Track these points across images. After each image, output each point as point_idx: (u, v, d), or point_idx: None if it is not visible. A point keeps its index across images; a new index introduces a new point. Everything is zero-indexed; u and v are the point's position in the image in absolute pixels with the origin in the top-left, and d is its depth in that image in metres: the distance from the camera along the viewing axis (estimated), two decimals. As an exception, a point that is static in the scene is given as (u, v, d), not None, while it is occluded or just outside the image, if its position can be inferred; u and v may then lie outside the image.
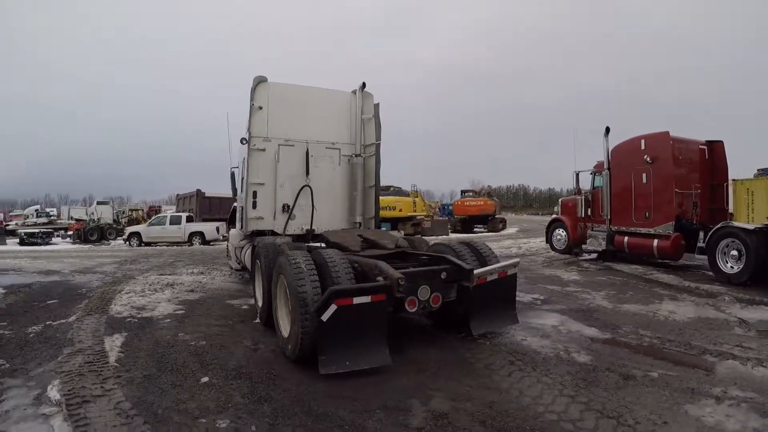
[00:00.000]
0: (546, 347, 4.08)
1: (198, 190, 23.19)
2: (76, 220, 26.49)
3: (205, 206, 23.02)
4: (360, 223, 7.02)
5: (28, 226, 24.34)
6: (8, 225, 26.53)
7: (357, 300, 3.32)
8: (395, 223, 22.70)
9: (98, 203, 31.30)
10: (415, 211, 23.83)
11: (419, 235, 21.75)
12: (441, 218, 27.15)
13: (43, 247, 18.30)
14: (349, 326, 3.35)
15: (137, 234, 18.96)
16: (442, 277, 3.94)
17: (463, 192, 29.19)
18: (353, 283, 3.65)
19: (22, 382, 3.38)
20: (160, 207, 37.54)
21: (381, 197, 24.40)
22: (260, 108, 6.54)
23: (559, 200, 12.68)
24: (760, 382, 3.23)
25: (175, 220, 18.83)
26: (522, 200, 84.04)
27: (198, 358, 3.98)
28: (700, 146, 8.92)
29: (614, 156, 9.48)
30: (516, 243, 15.64)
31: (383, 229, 23.16)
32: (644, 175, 8.63)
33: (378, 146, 7.08)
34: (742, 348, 3.98)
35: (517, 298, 5.57)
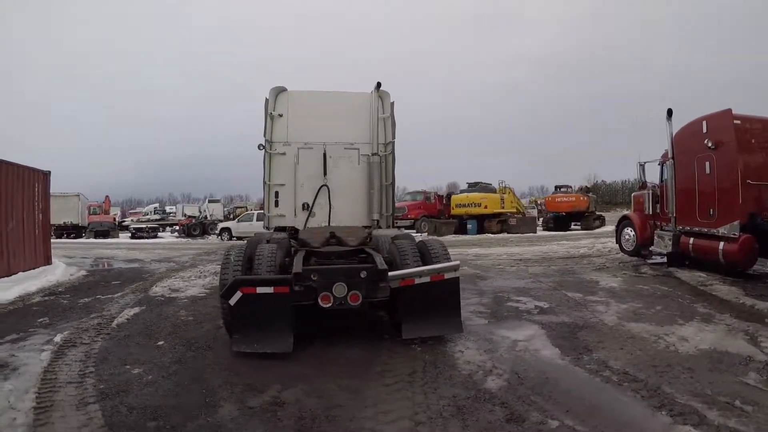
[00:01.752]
0: (473, 364, 3.75)
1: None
2: (188, 216, 30.95)
3: None
4: (378, 221, 7.43)
5: (141, 222, 29.73)
6: (124, 221, 32.58)
7: (260, 290, 3.92)
8: (481, 220, 22.73)
9: (209, 201, 36.65)
10: (502, 207, 23.48)
11: (503, 232, 21.60)
12: (528, 215, 26.09)
13: (147, 240, 22.70)
14: (257, 313, 3.97)
15: (228, 229, 22.28)
16: (362, 275, 4.05)
17: (557, 188, 27.50)
18: (274, 275, 4.25)
19: (47, 331, 4.87)
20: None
21: (467, 194, 24.56)
22: (280, 115, 7.54)
23: (632, 195, 11.54)
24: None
25: (261, 216, 21.80)
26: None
27: (174, 329, 5.07)
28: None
29: (677, 143, 8.44)
30: (595, 242, 14.46)
31: (453, 222, 22.68)
32: (707, 163, 7.58)
33: (393, 144, 7.53)
34: (733, 409, 2.83)
35: (520, 305, 5.47)
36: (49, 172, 10.22)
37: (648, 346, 4.23)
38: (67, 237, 25.54)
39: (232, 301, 3.89)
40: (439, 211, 25.13)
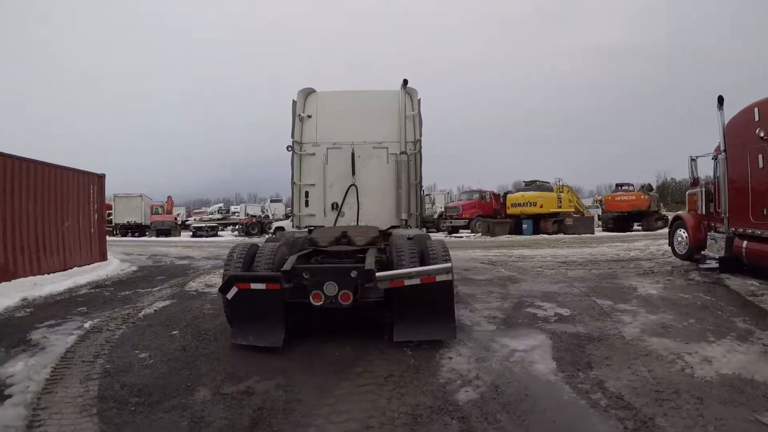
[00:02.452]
0: (455, 372, 3.64)
1: None
2: (249, 216, 31.37)
3: None
4: (406, 220, 7.50)
5: (203, 221, 31.94)
6: (187, 221, 34.90)
7: (254, 286, 4.16)
8: (537, 220, 22.21)
9: (271, 201, 38.25)
10: (559, 207, 22.77)
11: (560, 233, 20.88)
12: (586, 215, 25.05)
13: (205, 239, 24.38)
14: (251, 308, 4.27)
15: (282, 228, 23.50)
16: (352, 275, 4.12)
17: (617, 186, 26.00)
18: (271, 272, 4.45)
19: (81, 319, 5.55)
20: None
21: (522, 193, 24.23)
22: (309, 116, 7.85)
23: (686, 193, 10.74)
24: None
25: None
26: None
27: (192, 320, 5.56)
28: None
29: (729, 134, 7.77)
30: (651, 244, 13.59)
31: (502, 222, 22.24)
32: (760, 156, 6.93)
33: (419, 142, 7.59)
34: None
35: (539, 311, 5.32)
36: (104, 175, 11.39)
37: (660, 366, 3.74)
38: (132, 235, 28.17)
39: (229, 296, 4.18)
40: (494, 211, 24.91)
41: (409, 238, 5.65)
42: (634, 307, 5.82)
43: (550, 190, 24.03)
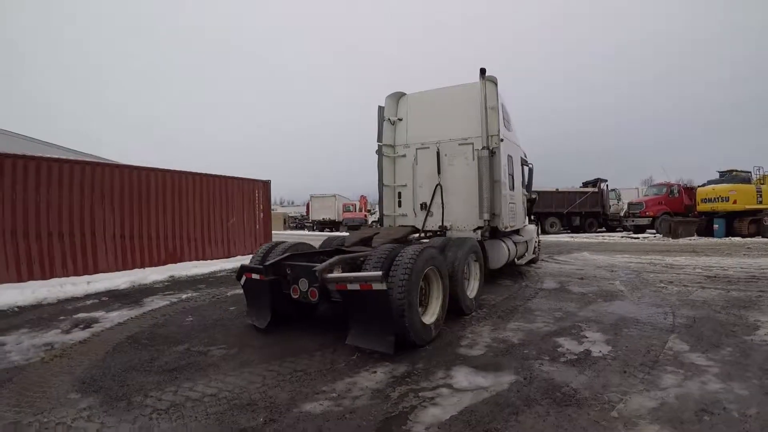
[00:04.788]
0: (370, 381, 3.58)
1: None
2: None
3: None
4: (488, 221, 7.38)
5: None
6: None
7: (253, 276, 5.13)
8: (731, 218, 18.05)
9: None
10: (759, 202, 18.27)
11: (758, 235, 16.15)
12: None
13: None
14: (252, 293, 5.40)
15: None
16: (317, 274, 4.38)
17: None
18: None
19: (191, 293, 7.84)
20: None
21: (713, 186, 20.37)
22: (400, 120, 8.60)
23: None
24: None
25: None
26: None
27: (225, 313, 6.59)
28: None
29: None
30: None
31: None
32: None
33: (497, 137, 7.42)
34: None
35: (569, 342, 4.53)
36: (269, 181, 14.66)
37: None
38: (329, 230, 33.96)
39: (241, 282, 5.52)
40: (686, 208, 21.13)
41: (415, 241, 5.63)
42: (713, 358, 3.98)
43: (748, 181, 19.47)
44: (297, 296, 4.74)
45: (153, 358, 4.22)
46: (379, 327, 4.23)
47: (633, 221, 23.47)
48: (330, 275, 4.29)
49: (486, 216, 7.31)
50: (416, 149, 8.29)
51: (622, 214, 26.51)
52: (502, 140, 7.42)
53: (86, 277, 8.19)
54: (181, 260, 10.74)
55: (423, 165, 8.21)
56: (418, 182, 8.27)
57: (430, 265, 4.75)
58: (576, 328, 5.09)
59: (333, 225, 34.21)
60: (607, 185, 28.33)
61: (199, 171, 11.76)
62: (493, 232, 7.64)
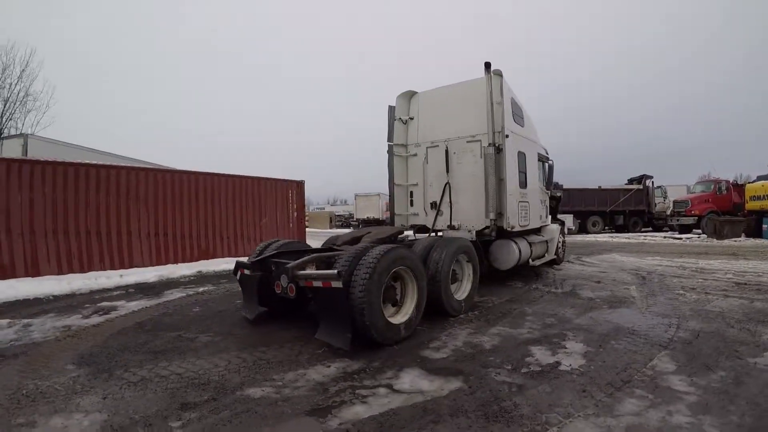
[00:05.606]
0: (317, 372, 3.87)
1: (555, 183, 26.36)
2: None
3: (564, 198, 25.93)
4: (494, 221, 7.42)
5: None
6: None
7: (245, 271, 5.74)
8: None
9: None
10: None
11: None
12: None
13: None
14: (245, 287, 5.95)
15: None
16: (288, 271, 4.73)
17: None
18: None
19: (209, 286, 8.62)
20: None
21: (763, 182, 19.05)
22: (411, 119, 8.83)
23: None
24: None
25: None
26: None
27: (231, 306, 7.49)
28: None
29: None
30: None
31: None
32: None
33: (502, 134, 7.36)
34: None
35: (544, 353, 4.42)
36: (303, 181, 15.40)
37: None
38: (371, 228, 34.84)
39: (237, 276, 6.09)
40: (735, 206, 19.91)
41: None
42: (691, 387, 3.50)
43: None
44: (279, 292, 5.03)
45: (147, 341, 4.90)
46: (339, 323, 4.43)
47: (678, 220, 22.41)
48: (300, 272, 4.63)
49: (492, 215, 7.30)
50: (426, 148, 8.42)
51: (668, 212, 25.32)
52: (507, 136, 7.34)
53: (120, 271, 9.27)
54: (213, 257, 11.67)
55: (433, 163, 8.31)
56: (428, 181, 8.40)
57: (400, 266, 4.87)
58: (560, 336, 4.94)
59: (377, 223, 34.95)
60: (652, 182, 27.11)
61: (232, 173, 12.69)
62: (501, 232, 7.62)
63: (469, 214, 7.84)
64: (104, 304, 6.91)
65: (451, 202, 8.02)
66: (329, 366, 4.06)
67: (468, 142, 7.87)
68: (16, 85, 26.08)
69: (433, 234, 8.24)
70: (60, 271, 8.83)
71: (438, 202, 8.20)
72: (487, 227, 7.49)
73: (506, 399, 3.34)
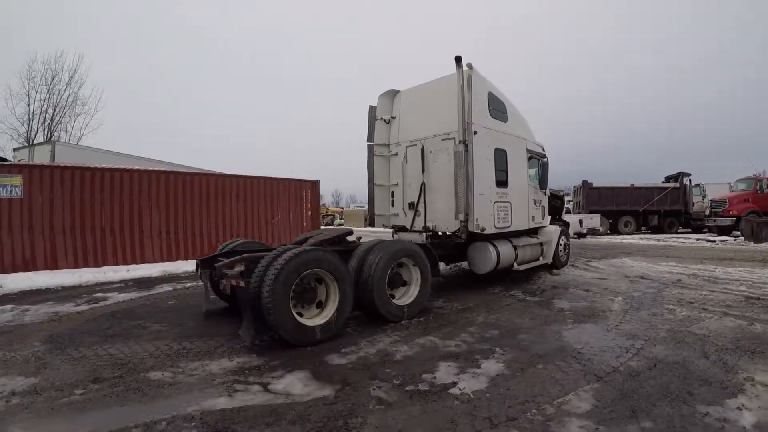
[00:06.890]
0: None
1: (584, 181, 25.61)
2: None
3: (593, 197, 25.22)
4: (464, 222, 7.41)
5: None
6: None
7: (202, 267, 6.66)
8: None
9: None
10: None
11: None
12: None
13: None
14: (204, 283, 6.72)
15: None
16: (216, 269, 5.40)
17: None
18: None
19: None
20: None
21: None
22: (393, 118, 9.04)
23: None
24: None
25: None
26: None
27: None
28: None
29: None
30: None
31: None
32: None
33: (468, 130, 7.32)
34: None
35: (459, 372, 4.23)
36: (318, 181, 16.32)
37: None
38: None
39: (198, 273, 6.93)
40: None
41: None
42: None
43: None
44: (222, 289, 5.74)
45: (109, 327, 6.03)
46: (248, 320, 4.93)
47: (714, 221, 21.32)
48: (230, 271, 5.16)
49: (461, 217, 7.34)
50: (406, 147, 8.61)
51: (706, 212, 23.90)
52: (475, 132, 7.38)
53: (129, 266, 10.68)
54: (222, 255, 12.94)
55: (412, 163, 8.47)
56: (407, 181, 8.59)
57: (314, 268, 5.17)
58: (486, 353, 4.73)
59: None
60: (690, 180, 25.67)
61: (244, 173, 14.02)
62: (473, 234, 7.64)
63: (444, 215, 7.98)
64: (98, 295, 8.24)
65: (425, 202, 8.21)
66: (232, 360, 4.60)
67: (443, 140, 7.95)
68: (65, 90, 28.94)
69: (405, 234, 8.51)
70: (76, 265, 10.33)
71: (416, 203, 8.42)
72: (457, 229, 7.62)
73: (360, 416, 3.28)
